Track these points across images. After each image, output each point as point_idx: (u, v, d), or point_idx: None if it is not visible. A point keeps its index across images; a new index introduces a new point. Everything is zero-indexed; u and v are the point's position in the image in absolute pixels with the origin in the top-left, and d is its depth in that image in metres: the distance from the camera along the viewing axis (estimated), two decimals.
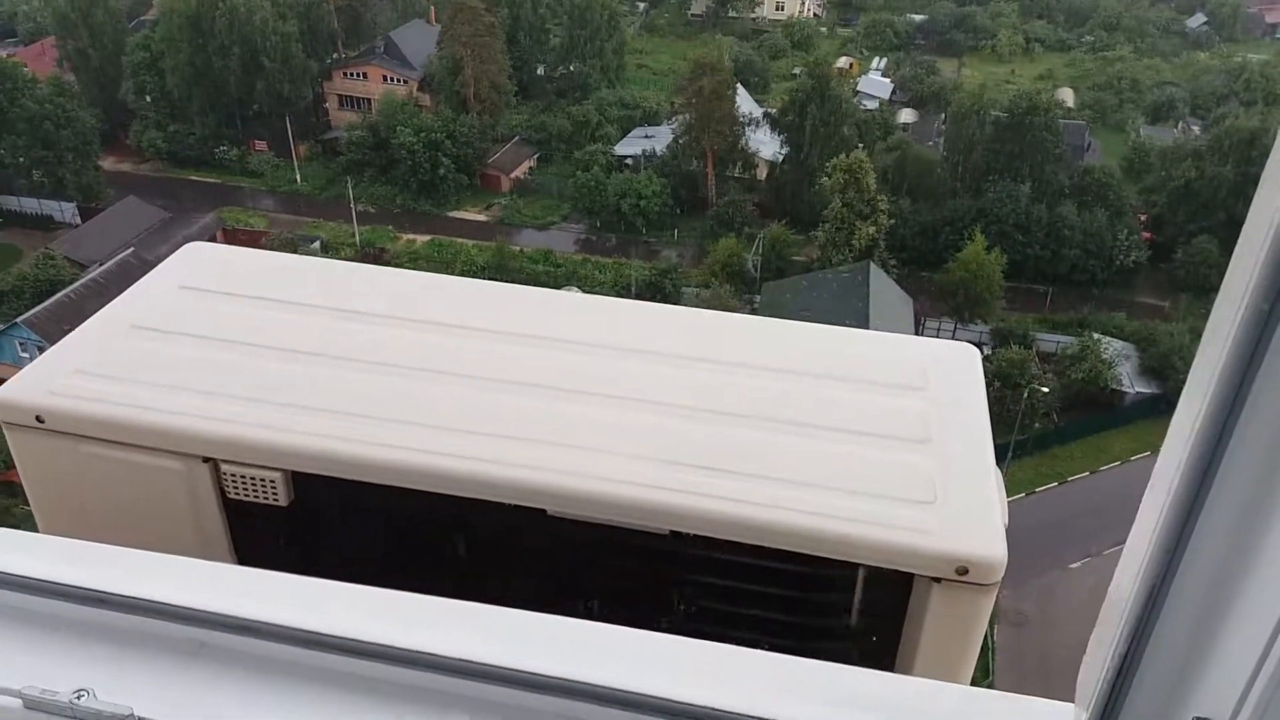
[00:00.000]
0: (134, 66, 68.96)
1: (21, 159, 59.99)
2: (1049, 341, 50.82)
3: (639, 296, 53.58)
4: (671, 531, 2.29)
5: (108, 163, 67.25)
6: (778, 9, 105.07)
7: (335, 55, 77.48)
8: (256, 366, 2.58)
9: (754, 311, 49.21)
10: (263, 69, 67.81)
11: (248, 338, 2.67)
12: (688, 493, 2.25)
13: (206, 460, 2.43)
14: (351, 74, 75.23)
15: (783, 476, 2.30)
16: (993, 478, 2.39)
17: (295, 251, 52.84)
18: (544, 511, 2.31)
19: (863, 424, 2.49)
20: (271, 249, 52.10)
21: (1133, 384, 47.49)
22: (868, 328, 42.13)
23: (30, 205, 61.72)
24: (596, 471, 2.29)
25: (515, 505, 2.32)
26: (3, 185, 61.87)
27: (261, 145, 69.87)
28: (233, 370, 2.56)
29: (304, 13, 73.32)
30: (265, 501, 2.45)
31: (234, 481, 2.44)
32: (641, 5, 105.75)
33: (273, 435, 2.39)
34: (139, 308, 2.79)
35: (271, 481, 2.41)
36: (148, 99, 69.74)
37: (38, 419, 2.47)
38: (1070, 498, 41.06)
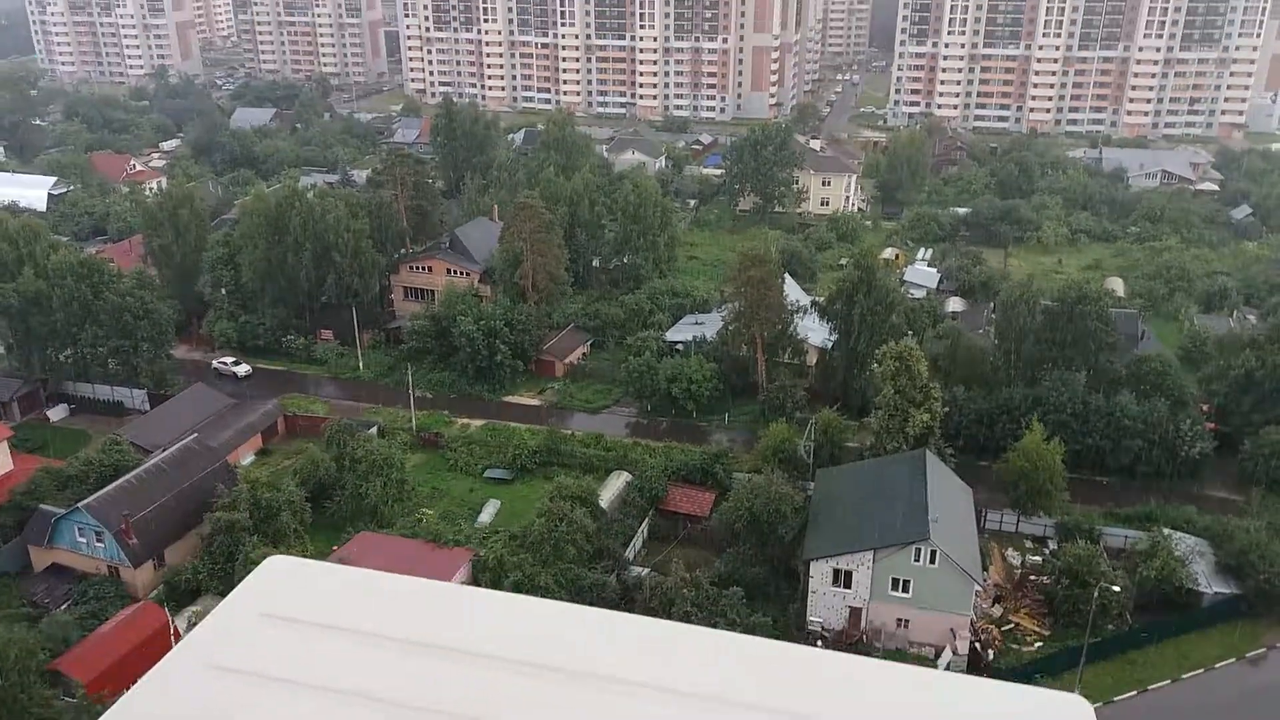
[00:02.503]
0: (212, 261, 73.36)
1: (101, 348, 62.98)
2: (1116, 536, 48.73)
3: (689, 480, 52.96)
4: None
5: (180, 350, 70.40)
6: (823, 204, 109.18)
7: (403, 250, 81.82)
8: (335, 715, 2.50)
9: (807, 499, 48.26)
10: (334, 263, 71.71)
11: (327, 681, 2.60)
12: None
13: None
14: (417, 267, 79.58)
15: None
16: None
17: (352, 435, 53.53)
18: None
19: None
20: (329, 434, 52.83)
21: (1210, 583, 44.72)
22: (926, 517, 41.09)
23: (103, 392, 64.34)
24: None
25: None
26: (79, 372, 64.79)
27: (327, 334, 72.84)
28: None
29: (375, 211, 77.99)
30: None
31: None
32: (692, 202, 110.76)
33: None
34: (219, 643, 2.75)
35: None
36: (223, 291, 73.71)
37: None
38: (1153, 709, 38.12)
